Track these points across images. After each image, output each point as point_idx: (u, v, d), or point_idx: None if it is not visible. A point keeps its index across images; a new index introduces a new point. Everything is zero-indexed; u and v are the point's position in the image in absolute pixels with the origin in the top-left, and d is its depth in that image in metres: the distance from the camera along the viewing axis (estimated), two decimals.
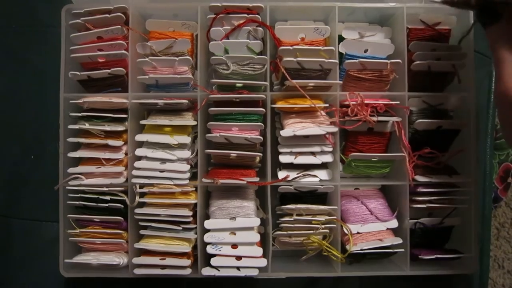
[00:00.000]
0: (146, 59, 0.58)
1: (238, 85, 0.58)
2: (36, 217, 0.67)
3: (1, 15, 0.70)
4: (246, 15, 0.57)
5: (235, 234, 0.58)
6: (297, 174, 0.60)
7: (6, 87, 0.69)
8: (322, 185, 0.59)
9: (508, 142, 0.43)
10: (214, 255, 0.57)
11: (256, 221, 0.58)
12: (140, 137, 0.59)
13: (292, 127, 0.58)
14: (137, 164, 0.58)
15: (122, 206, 0.59)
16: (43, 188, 0.67)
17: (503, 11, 0.43)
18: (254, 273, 0.57)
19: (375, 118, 0.57)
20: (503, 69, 0.42)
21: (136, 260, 0.58)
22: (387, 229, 0.61)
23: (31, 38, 0.69)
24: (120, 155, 0.59)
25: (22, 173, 0.68)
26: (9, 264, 0.67)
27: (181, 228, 0.58)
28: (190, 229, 0.59)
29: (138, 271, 0.57)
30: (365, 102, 0.57)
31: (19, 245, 0.67)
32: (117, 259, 0.59)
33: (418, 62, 0.58)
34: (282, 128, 0.59)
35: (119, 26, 0.58)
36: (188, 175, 0.58)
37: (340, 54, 0.60)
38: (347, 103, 0.58)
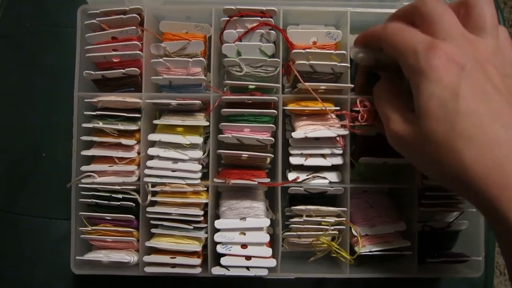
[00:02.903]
0: (160, 60, 0.59)
1: (250, 87, 0.58)
2: (47, 215, 0.68)
3: (15, 14, 0.71)
4: (259, 18, 0.58)
5: (245, 234, 0.59)
6: (307, 176, 0.61)
7: (19, 86, 0.70)
8: (331, 187, 0.59)
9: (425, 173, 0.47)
10: (224, 255, 0.58)
11: (266, 222, 0.59)
12: (152, 137, 0.60)
13: (303, 129, 0.59)
14: (149, 163, 0.59)
15: (134, 204, 0.59)
16: (53, 186, 0.67)
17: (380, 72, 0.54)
18: (264, 273, 0.58)
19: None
20: (387, 119, 0.47)
21: (147, 258, 0.58)
22: (395, 231, 0.61)
23: (45, 38, 0.70)
24: (132, 154, 0.59)
25: (32, 171, 0.69)
26: (19, 261, 0.67)
27: (192, 227, 0.59)
28: (200, 229, 0.60)
29: (148, 269, 0.58)
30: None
31: (29, 242, 0.68)
32: (128, 257, 0.59)
33: None
34: (293, 130, 0.60)
35: (134, 27, 0.59)
36: (199, 175, 0.59)
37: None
38: (357, 109, 0.58)
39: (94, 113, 0.59)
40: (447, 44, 0.40)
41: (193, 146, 0.59)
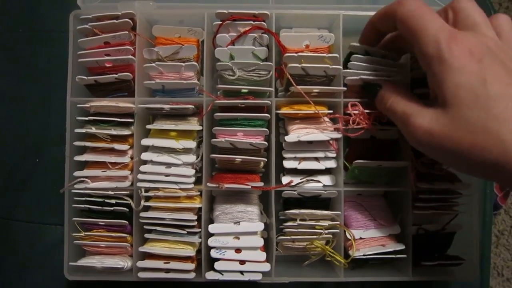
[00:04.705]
0: (153, 64, 0.59)
1: (243, 91, 0.58)
2: (40, 220, 0.68)
3: (7, 19, 0.71)
4: (252, 22, 0.58)
5: (239, 238, 0.59)
6: (301, 179, 0.60)
7: (12, 91, 0.70)
8: (325, 191, 0.59)
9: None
10: (218, 259, 0.58)
11: (260, 226, 0.59)
12: (145, 142, 0.60)
13: (297, 133, 0.59)
14: (142, 168, 0.59)
15: (127, 210, 0.59)
16: (46, 192, 0.67)
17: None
18: (258, 277, 0.57)
19: (377, 127, 0.58)
20: (408, 121, 0.45)
21: (141, 264, 0.58)
22: (390, 234, 0.61)
23: (38, 43, 0.70)
24: (126, 159, 0.59)
25: (26, 176, 0.68)
26: (12, 267, 0.67)
27: (185, 232, 0.59)
28: (194, 233, 0.60)
29: (142, 275, 0.58)
30: (368, 111, 0.57)
31: (22, 248, 0.68)
32: (122, 262, 0.59)
33: (417, 70, 0.58)
34: (286, 134, 0.60)
35: (127, 32, 0.59)
36: (193, 179, 0.59)
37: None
38: (349, 112, 0.58)
39: (86, 118, 0.59)
40: (465, 34, 0.41)
41: (186, 151, 0.59)
